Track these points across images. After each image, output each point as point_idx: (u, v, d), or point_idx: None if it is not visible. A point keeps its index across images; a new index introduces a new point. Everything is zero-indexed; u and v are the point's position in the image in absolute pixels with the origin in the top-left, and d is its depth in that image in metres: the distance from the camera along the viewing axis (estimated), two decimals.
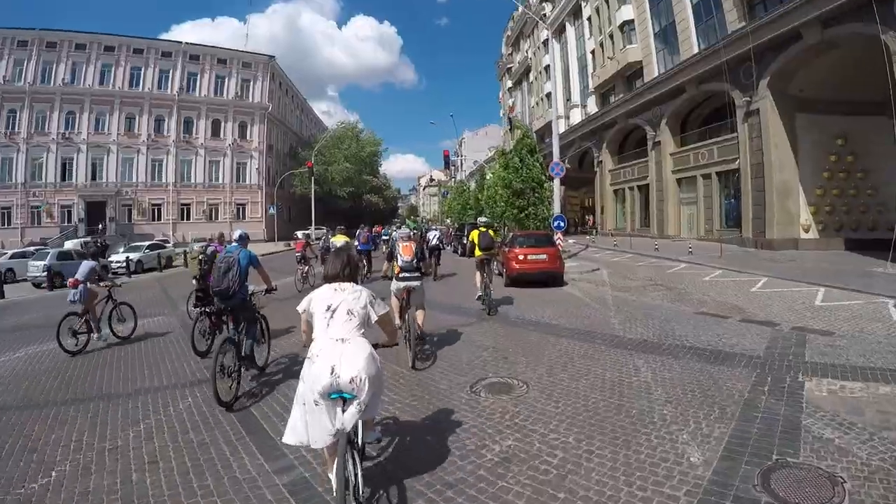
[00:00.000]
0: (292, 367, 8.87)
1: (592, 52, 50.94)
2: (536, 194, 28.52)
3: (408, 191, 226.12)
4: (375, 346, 4.37)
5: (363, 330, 4.23)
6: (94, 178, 64.29)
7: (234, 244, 8.68)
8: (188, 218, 68.25)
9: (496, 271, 17.74)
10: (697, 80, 33.01)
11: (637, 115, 40.24)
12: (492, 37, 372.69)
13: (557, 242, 22.32)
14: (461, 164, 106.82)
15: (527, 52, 73.31)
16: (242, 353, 7.82)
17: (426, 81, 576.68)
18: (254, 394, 7.67)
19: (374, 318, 4.35)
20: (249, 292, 8.50)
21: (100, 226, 60.98)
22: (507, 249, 18.80)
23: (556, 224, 23.59)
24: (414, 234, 11.68)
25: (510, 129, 67.78)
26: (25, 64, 61.88)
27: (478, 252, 14.40)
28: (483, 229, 14.69)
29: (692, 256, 25.10)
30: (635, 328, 11.22)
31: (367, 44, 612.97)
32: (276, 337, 10.62)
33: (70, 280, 11.40)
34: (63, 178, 63.08)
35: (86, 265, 11.33)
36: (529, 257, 18.00)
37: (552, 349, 9.64)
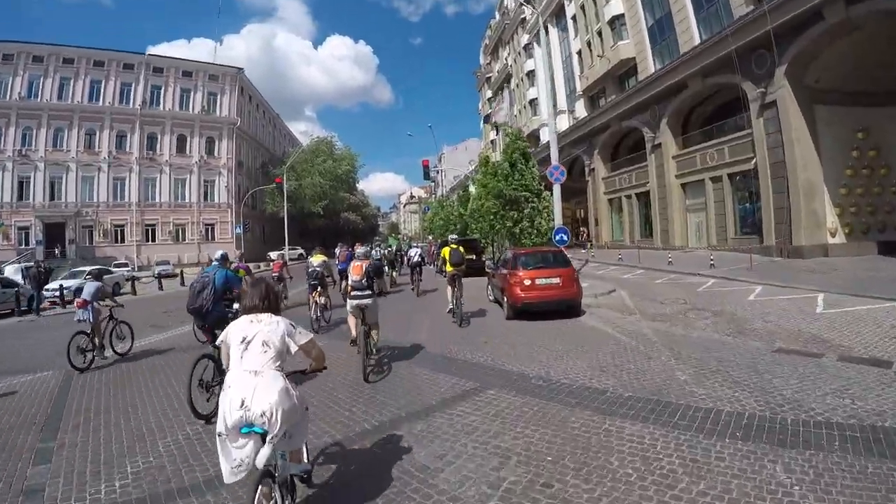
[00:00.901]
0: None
1: (579, 53, 47.23)
2: (533, 204, 24.81)
3: (388, 209, 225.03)
4: (304, 372, 4.53)
5: (280, 362, 4.00)
6: (52, 197, 60.16)
7: (213, 264, 8.86)
8: (153, 239, 64.08)
9: (490, 297, 16.83)
10: (702, 73, 29.65)
11: (632, 116, 36.65)
12: (466, 53, 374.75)
13: None
14: (441, 179, 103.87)
15: (506, 59, 70.22)
16: (223, 369, 6.54)
17: (403, 100, 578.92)
18: None
19: (293, 347, 4.15)
20: (233, 311, 8.36)
21: (57, 248, 57.71)
22: (506, 273, 15.01)
23: (557, 238, 19.57)
24: (389, 251, 13.89)
25: (495, 133, 64.86)
26: None
27: (449, 268, 15.03)
28: (454, 246, 15.63)
29: (716, 269, 21.48)
30: (719, 388, 7.30)
31: (343, 63, 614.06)
32: None
33: (78, 300, 11.93)
34: (20, 198, 59.09)
35: (91, 285, 12.00)
36: (539, 282, 14.09)
37: (605, 454, 5.37)
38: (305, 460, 5.04)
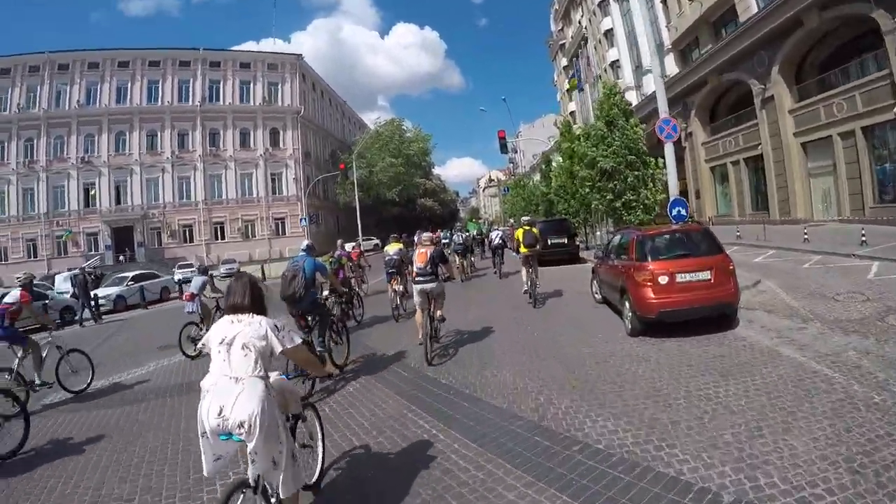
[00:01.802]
0: (367, 367, 9.55)
1: (664, 1, 41.32)
2: (638, 173, 20.37)
3: (468, 193, 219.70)
4: (304, 374, 5.38)
5: (262, 366, 3.73)
6: (118, 201, 59.97)
7: (301, 254, 9.06)
8: (222, 237, 62.32)
9: (597, 297, 13.54)
10: (819, 4, 24.08)
11: (734, 67, 30.94)
12: (534, 30, 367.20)
13: None
14: (520, 159, 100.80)
15: (580, 21, 64.15)
16: (315, 353, 8.13)
17: (473, 83, 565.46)
18: (329, 390, 8.29)
19: (277, 348, 3.83)
20: (323, 297, 9.52)
21: (126, 252, 57.63)
22: (625, 265, 10.54)
23: (674, 212, 14.88)
24: (466, 236, 19.95)
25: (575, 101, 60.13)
26: (38, 90, 58.76)
27: (523, 249, 15.24)
28: (527, 227, 15.62)
29: (873, 248, 16.20)
30: None
31: (410, 50, 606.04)
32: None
33: (186, 294, 13.11)
34: (86, 204, 59.29)
35: (199, 279, 12.95)
36: (681, 278, 9.40)
37: None
38: None
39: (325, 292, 9.67)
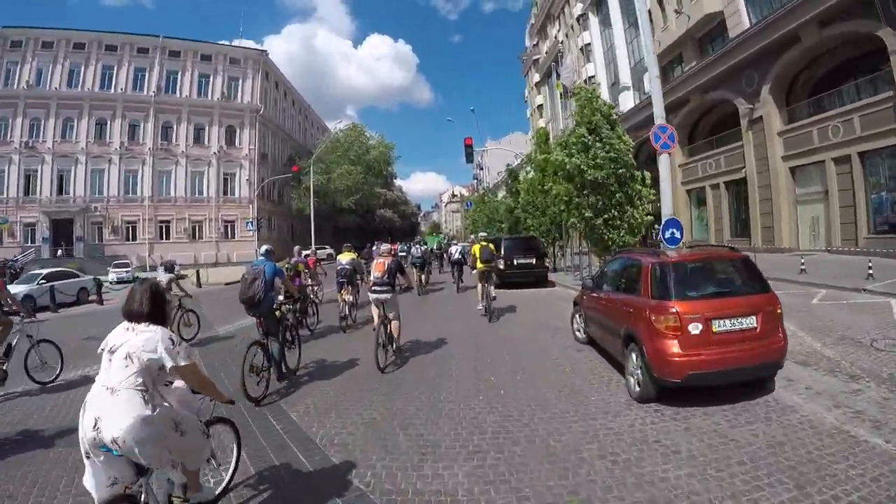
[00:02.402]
0: (320, 370, 9.76)
1: (649, 13, 38.39)
2: (626, 188, 17.69)
3: (430, 208, 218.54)
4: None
5: (145, 380, 3.50)
6: (60, 192, 55.56)
7: (260, 258, 9.15)
8: (167, 237, 58.42)
9: (580, 335, 10.90)
10: (818, 20, 22.37)
11: (719, 86, 29.06)
12: (507, 50, 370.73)
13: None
14: (484, 175, 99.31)
15: (556, 36, 62.57)
16: (270, 356, 8.40)
17: (443, 100, 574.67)
18: (280, 392, 8.37)
19: (168, 363, 3.59)
20: (279, 302, 9.13)
21: (62, 246, 53.47)
22: (634, 302, 7.67)
23: (668, 235, 12.46)
24: (429, 250, 19.58)
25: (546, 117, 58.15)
26: None
27: (479, 265, 15.37)
28: (483, 243, 15.94)
29: (888, 283, 14.01)
30: None
31: (383, 62, 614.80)
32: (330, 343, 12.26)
33: None
34: (26, 192, 54.68)
35: (164, 277, 13.04)
36: (720, 325, 6.54)
37: None
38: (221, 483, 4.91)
39: (280, 297, 9.37)
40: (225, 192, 61.07)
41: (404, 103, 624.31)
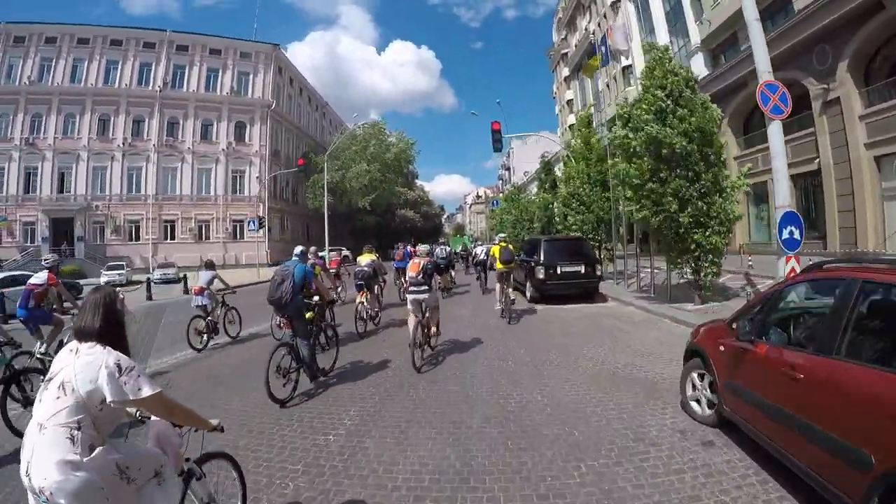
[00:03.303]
0: (352, 373, 9.41)
1: None
2: (716, 171, 13.75)
3: (454, 210, 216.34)
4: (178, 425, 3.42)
5: (81, 416, 2.72)
6: (61, 190, 53.02)
7: (293, 258, 9.01)
8: (172, 237, 55.45)
9: (694, 394, 6.41)
10: None
11: (783, 66, 24.77)
12: (530, 51, 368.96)
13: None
14: (510, 176, 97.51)
15: (586, 27, 59.00)
16: (300, 358, 8.31)
17: (466, 104, 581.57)
18: (309, 394, 8.15)
19: (109, 395, 2.78)
20: (313, 303, 9.37)
21: (62, 246, 50.12)
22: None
23: (784, 236, 8.93)
24: (452, 251, 18.04)
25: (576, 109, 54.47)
26: None
27: (499, 265, 15.39)
28: (503, 244, 15.99)
29: None
30: None
31: (406, 68, 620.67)
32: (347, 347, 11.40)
33: (195, 287, 12.98)
34: (26, 190, 52.33)
35: (206, 274, 12.99)
36: None
37: None
38: None
39: (316, 298, 9.52)
40: (234, 191, 57.85)
41: (427, 108, 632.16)
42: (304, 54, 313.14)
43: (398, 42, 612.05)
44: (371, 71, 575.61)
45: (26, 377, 7.52)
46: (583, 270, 17.77)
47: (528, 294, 18.78)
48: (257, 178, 57.76)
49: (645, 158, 14.10)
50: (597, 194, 24.32)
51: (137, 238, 54.25)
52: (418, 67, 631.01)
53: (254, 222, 44.10)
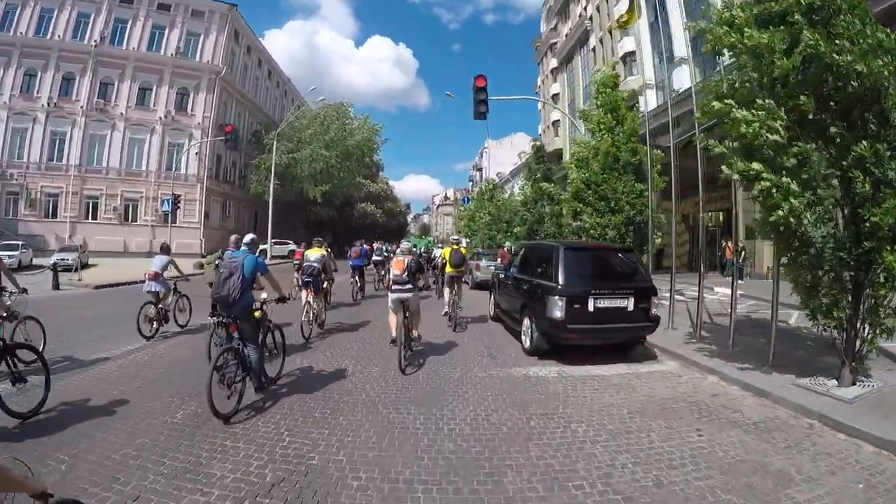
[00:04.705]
0: (303, 382, 8.85)
1: None
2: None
3: (421, 210, 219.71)
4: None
5: None
6: None
7: (242, 249, 8.18)
8: (94, 216, 50.11)
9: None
10: None
11: None
12: (508, 55, 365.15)
13: None
14: (481, 177, 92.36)
15: (581, 13, 52.74)
16: (247, 366, 7.56)
17: (441, 104, 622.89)
18: (257, 407, 7.43)
19: None
20: (261, 301, 8.15)
21: None
22: None
23: None
24: (414, 251, 13.34)
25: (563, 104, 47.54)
26: None
27: (449, 269, 15.02)
28: (455, 246, 15.85)
29: None
30: None
31: (383, 64, 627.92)
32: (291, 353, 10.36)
33: (149, 272, 12.37)
34: None
35: (161, 259, 12.60)
36: None
37: None
38: None
39: (264, 295, 8.22)
40: (169, 167, 51.76)
41: (402, 106, 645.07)
42: (280, 43, 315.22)
43: (377, 37, 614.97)
44: (348, 65, 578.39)
45: None
46: (631, 306, 10.59)
47: (526, 340, 11.40)
48: (196, 154, 52.12)
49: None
50: (627, 185, 18.83)
51: (55, 215, 49.10)
52: (395, 64, 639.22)
53: (168, 202, 37.99)
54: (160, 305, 12.19)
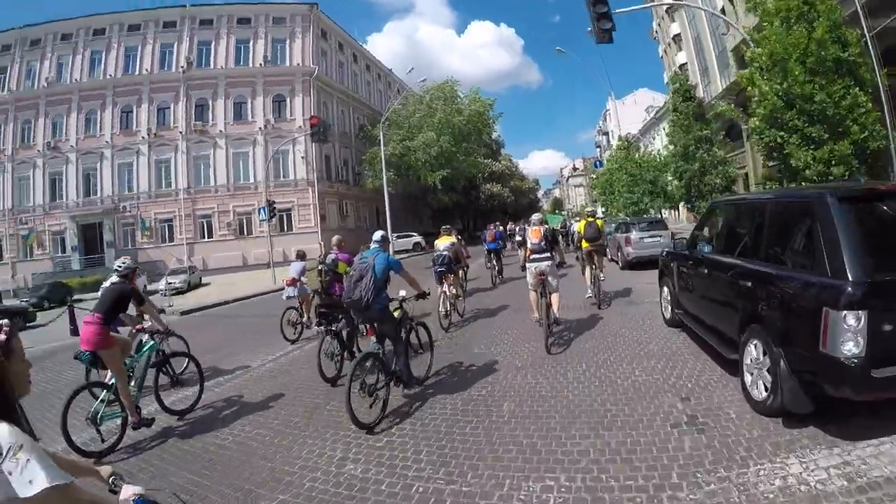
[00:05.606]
0: (452, 380, 8.22)
1: None
2: None
3: (551, 185, 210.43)
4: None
5: None
6: (87, 193, 48.97)
7: (373, 247, 7.51)
8: (209, 234, 49.13)
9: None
10: None
11: None
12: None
13: None
14: (608, 141, 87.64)
15: None
16: (392, 370, 7.19)
17: (553, 78, 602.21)
18: (404, 412, 6.99)
19: None
20: (400, 299, 7.90)
21: (95, 254, 47.27)
22: None
23: None
24: (551, 229, 11.61)
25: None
26: (9, 70, 49.71)
27: (584, 244, 13.88)
28: (590, 219, 14.34)
29: None
30: None
31: (487, 48, 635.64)
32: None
33: (287, 279, 13.45)
34: (52, 198, 48.91)
35: (298, 265, 13.23)
36: None
37: None
38: None
39: (403, 293, 7.91)
40: (276, 175, 50.02)
41: (514, 86, 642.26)
42: (383, 45, 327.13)
43: (476, 23, 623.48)
44: (453, 54, 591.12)
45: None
46: None
47: (755, 386, 5.80)
48: (302, 157, 50.10)
49: None
50: (848, 96, 13.68)
51: (171, 238, 48.59)
52: (499, 45, 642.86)
53: (264, 210, 35.19)
54: (301, 310, 12.77)
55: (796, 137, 14.35)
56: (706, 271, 7.68)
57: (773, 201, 6.92)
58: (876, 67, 13.50)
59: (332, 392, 8.02)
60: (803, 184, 14.34)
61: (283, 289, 13.93)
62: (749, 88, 16.27)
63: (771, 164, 17.15)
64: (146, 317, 8.57)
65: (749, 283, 6.12)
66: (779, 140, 15.06)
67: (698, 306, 8.27)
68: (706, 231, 9.05)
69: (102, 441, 6.48)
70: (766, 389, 5.49)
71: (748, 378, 5.92)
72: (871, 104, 13.80)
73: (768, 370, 5.45)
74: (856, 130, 13.41)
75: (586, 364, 8.18)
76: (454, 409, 6.77)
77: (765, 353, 5.55)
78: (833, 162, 13.68)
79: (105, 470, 2.45)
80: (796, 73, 14.00)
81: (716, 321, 7.38)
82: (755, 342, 5.80)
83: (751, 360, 5.87)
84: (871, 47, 14.14)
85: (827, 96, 13.67)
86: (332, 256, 11.01)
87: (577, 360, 8.26)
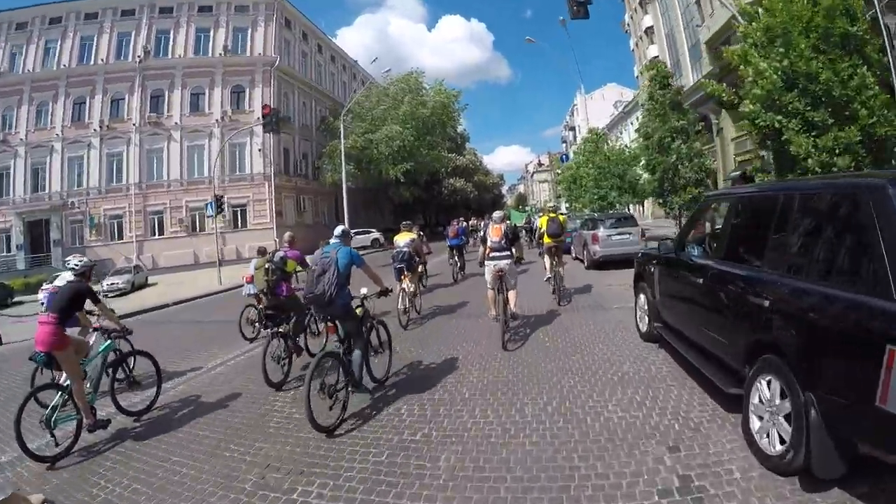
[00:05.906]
0: (413, 381, 8.06)
1: None
2: None
3: (515, 181, 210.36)
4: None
5: None
6: (35, 188, 46.85)
7: (334, 241, 7.26)
8: (161, 231, 47.04)
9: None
10: None
11: None
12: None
13: None
14: (575, 136, 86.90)
15: None
16: (351, 371, 6.89)
17: (522, 73, 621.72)
18: (363, 416, 6.77)
19: None
20: (362, 296, 7.77)
21: (41, 253, 45.21)
22: None
23: None
24: (507, 222, 11.56)
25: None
26: None
27: (546, 239, 14.15)
28: (552, 215, 14.48)
29: None
30: None
31: (458, 43, 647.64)
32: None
33: (246, 275, 12.98)
34: (0, 194, 46.88)
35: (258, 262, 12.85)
36: None
37: None
38: None
39: (364, 290, 7.75)
40: (233, 170, 48.30)
41: (483, 81, 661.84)
42: (354, 39, 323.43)
43: (447, 17, 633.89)
44: (424, 49, 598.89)
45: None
46: None
47: (767, 438, 4.51)
48: (259, 150, 48.01)
49: None
50: (856, 75, 12.16)
51: (120, 236, 46.65)
52: (470, 41, 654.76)
53: (211, 205, 32.87)
54: (259, 307, 12.06)
55: (796, 122, 12.67)
56: (700, 281, 6.23)
57: (802, 192, 5.03)
58: (887, 45, 12.28)
59: (278, 395, 7.91)
60: (809, 174, 12.47)
61: (239, 286, 14.18)
62: (742, 68, 14.45)
63: (762, 153, 15.93)
64: (97, 316, 8.43)
65: (764, 301, 4.69)
66: (776, 125, 13.28)
67: (686, 322, 6.95)
68: (707, 225, 8.92)
69: (56, 445, 6.30)
70: (782, 441, 4.32)
71: (755, 423, 4.75)
72: (877, 87, 12.27)
73: (786, 417, 4.24)
74: (864, 115, 11.79)
75: (548, 395, 6.93)
76: (376, 464, 5.40)
77: (783, 396, 4.31)
78: (837, 151, 12.03)
79: (36, 498, 2.69)
80: (802, 47, 12.35)
81: (711, 344, 6.04)
82: (768, 378, 4.56)
83: (760, 401, 4.65)
84: (882, 24, 12.99)
85: (834, 74, 12.06)
86: (280, 254, 10.60)
87: (538, 389, 7.06)
